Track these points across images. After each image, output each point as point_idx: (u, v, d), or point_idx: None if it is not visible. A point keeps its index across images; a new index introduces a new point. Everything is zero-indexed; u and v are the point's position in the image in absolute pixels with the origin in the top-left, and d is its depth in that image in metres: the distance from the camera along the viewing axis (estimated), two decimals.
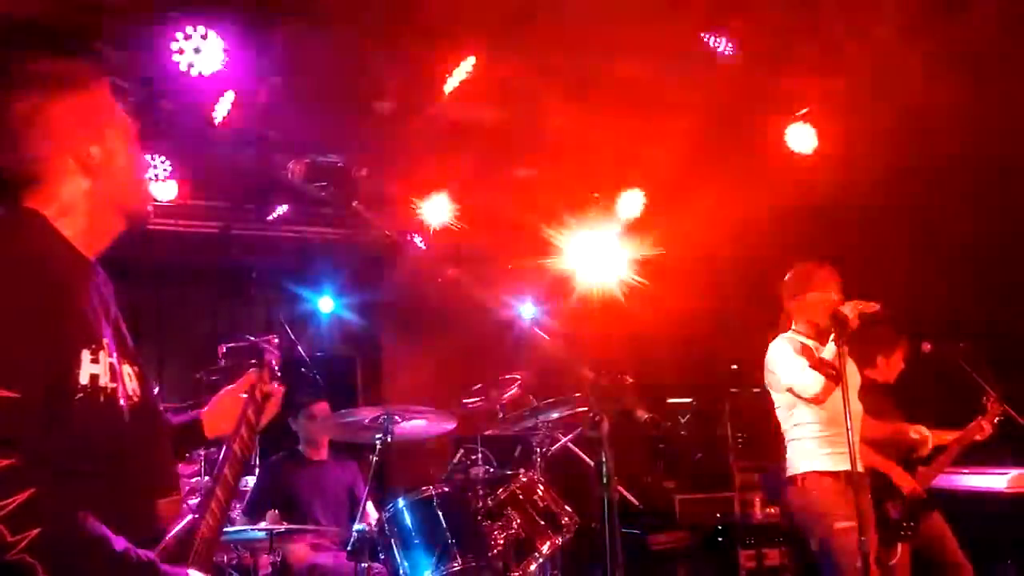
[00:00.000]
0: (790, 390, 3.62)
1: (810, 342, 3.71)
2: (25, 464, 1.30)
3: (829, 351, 3.50)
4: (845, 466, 3.46)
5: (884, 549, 4.09)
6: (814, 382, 3.50)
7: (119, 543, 1.39)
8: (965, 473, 4.98)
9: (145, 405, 1.58)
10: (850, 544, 3.25)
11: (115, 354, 1.54)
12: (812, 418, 3.64)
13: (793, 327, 3.80)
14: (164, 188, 5.28)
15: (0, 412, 1.29)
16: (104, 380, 1.47)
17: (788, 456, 3.82)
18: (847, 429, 3.25)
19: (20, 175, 1.55)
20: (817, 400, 3.54)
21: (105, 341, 1.53)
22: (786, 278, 3.88)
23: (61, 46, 1.58)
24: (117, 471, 1.48)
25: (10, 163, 1.55)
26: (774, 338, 3.84)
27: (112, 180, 1.61)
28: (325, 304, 6.95)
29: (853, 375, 3.68)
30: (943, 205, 5.79)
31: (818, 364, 3.51)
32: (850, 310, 3.38)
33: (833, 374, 3.41)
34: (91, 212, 1.58)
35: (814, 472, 3.60)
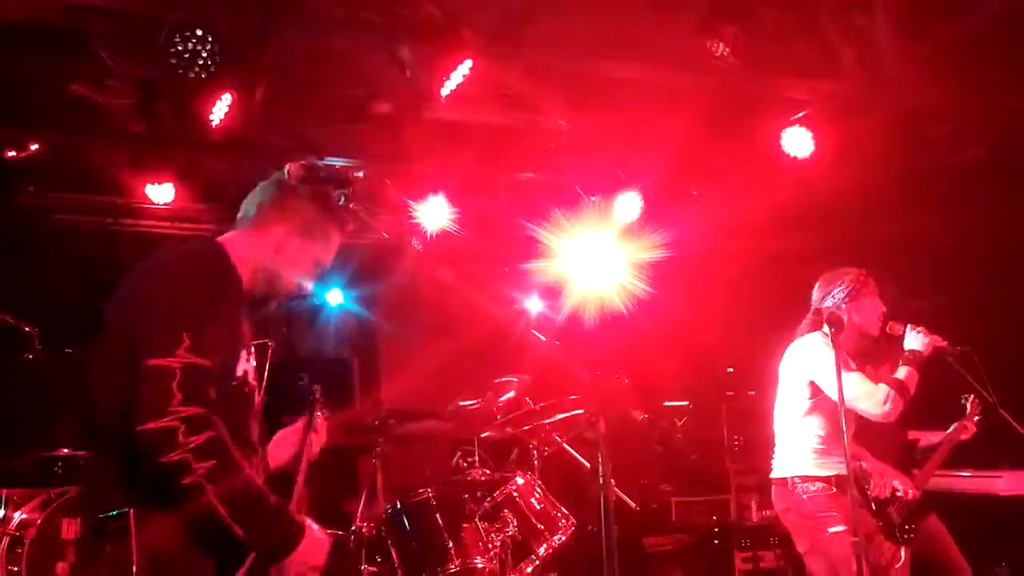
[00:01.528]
0: (849, 401, 3.38)
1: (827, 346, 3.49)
2: (208, 415, 1.75)
3: (902, 372, 3.49)
4: (837, 470, 3.46)
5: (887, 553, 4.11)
6: (885, 397, 3.43)
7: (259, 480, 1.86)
8: (961, 476, 4.99)
9: (254, 390, 2.09)
10: (845, 548, 3.23)
11: (252, 357, 2.05)
12: (820, 424, 3.60)
13: (823, 331, 3.57)
14: (162, 191, 5.28)
15: (197, 374, 1.75)
16: (249, 376, 2.00)
17: (778, 457, 3.80)
18: (843, 433, 3.26)
19: (256, 218, 2.10)
20: (887, 417, 3.46)
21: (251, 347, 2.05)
22: (834, 280, 3.75)
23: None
24: (236, 436, 1.90)
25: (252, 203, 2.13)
26: (782, 337, 3.78)
27: (283, 265, 2.11)
28: (334, 297, 6.97)
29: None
30: (939, 207, 5.81)
31: (890, 382, 3.48)
32: (923, 343, 3.53)
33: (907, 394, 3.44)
34: (266, 272, 2.10)
35: (807, 476, 3.56)
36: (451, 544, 3.38)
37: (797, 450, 3.66)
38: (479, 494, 3.83)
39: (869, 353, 4.43)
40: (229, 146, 4.80)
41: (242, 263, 1.99)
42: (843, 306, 3.65)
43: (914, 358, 3.53)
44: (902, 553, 4.13)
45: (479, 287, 1.74)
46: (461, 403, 4.42)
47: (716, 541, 6.08)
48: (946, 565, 4.31)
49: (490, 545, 3.55)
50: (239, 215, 2.14)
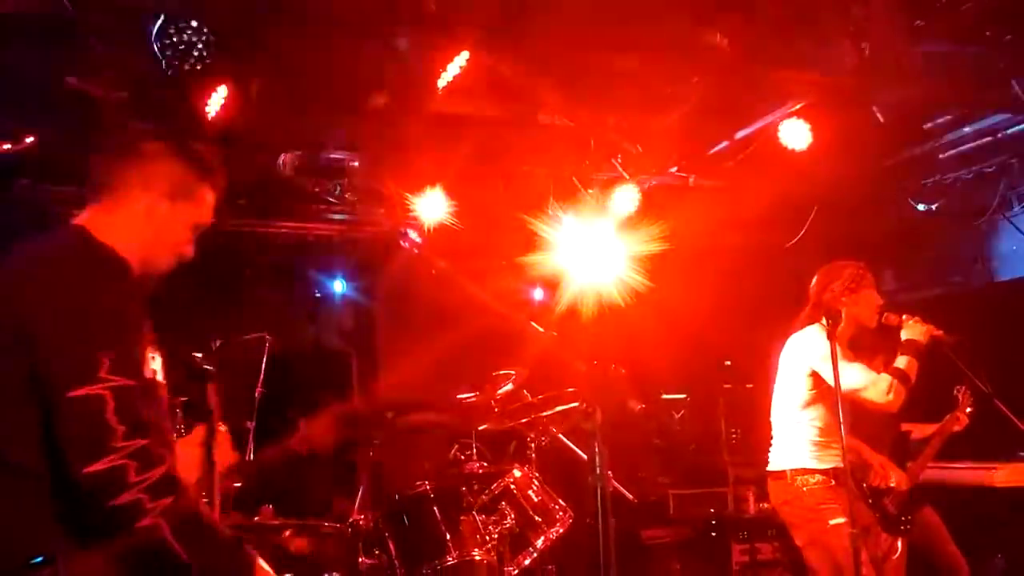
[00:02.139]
0: (853, 391, 3.47)
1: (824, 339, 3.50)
2: (155, 444, 1.58)
3: (902, 361, 3.50)
4: (835, 463, 3.48)
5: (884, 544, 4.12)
6: (889, 387, 3.44)
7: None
8: (955, 468, 5.00)
9: (163, 387, 1.89)
10: (846, 540, 3.25)
11: (156, 351, 1.84)
12: (819, 416, 3.62)
13: (821, 323, 3.59)
14: None
15: (130, 397, 1.57)
16: (160, 375, 1.82)
17: (776, 450, 3.81)
18: (840, 425, 3.26)
19: (116, 189, 1.87)
20: (891, 406, 3.49)
21: (153, 340, 1.85)
22: (833, 273, 3.78)
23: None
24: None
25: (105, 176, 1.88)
26: (780, 330, 3.79)
27: (159, 235, 1.92)
28: (337, 286, 6.95)
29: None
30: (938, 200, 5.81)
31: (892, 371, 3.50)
32: (921, 332, 3.53)
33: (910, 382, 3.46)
34: (142, 247, 1.89)
35: (806, 469, 3.58)
36: (449, 537, 3.39)
37: (796, 443, 3.67)
38: (476, 487, 3.83)
39: (863, 345, 4.44)
40: (224, 140, 4.78)
41: (119, 245, 1.80)
42: (842, 299, 3.65)
43: (912, 347, 3.52)
44: (899, 545, 4.15)
45: (477, 280, 1.71)
46: (459, 396, 4.42)
47: (713, 534, 6.10)
48: (942, 557, 4.33)
49: (488, 538, 3.56)
50: (92, 187, 1.90)
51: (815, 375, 3.58)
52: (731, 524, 6.12)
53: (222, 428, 2.07)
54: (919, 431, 4.52)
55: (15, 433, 1.61)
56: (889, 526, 4.16)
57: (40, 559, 1.54)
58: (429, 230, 5.60)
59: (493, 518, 3.65)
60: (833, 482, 3.52)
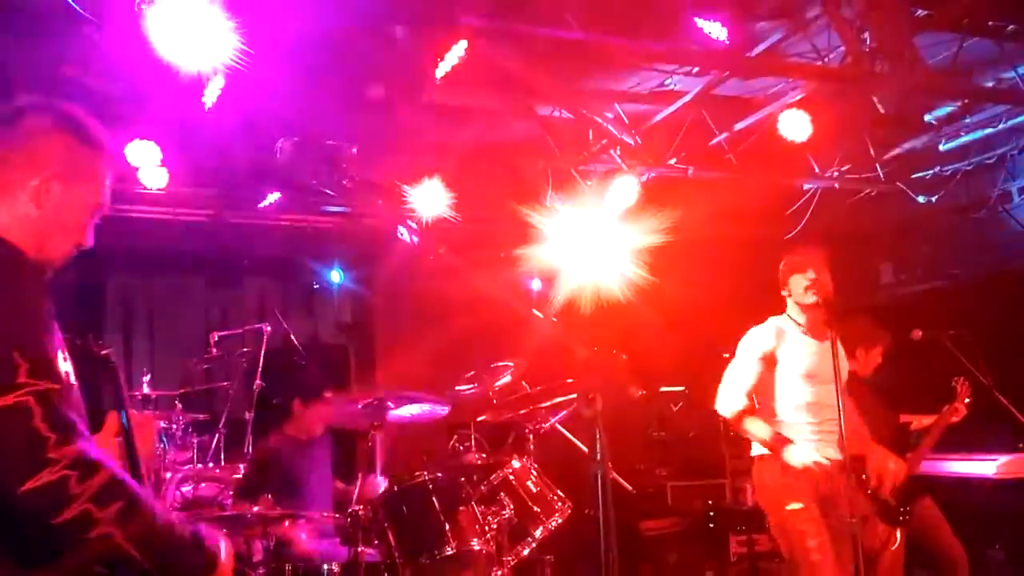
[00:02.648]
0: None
1: (794, 327, 3.65)
2: (90, 447, 1.44)
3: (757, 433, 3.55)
4: (836, 453, 3.44)
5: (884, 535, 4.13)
6: (728, 402, 3.58)
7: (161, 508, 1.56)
8: (955, 459, 5.01)
9: (77, 389, 1.69)
10: (797, 525, 3.36)
11: (65, 351, 1.64)
12: (771, 406, 3.62)
13: (787, 311, 3.78)
14: (155, 176, 5.23)
15: (54, 400, 1.42)
16: (72, 377, 1.60)
17: None
18: (839, 415, 3.25)
19: None
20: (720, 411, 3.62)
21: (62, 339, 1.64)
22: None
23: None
24: None
25: None
26: None
27: (52, 220, 1.68)
28: (334, 276, 6.94)
29: (837, 366, 3.54)
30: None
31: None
32: (797, 460, 3.40)
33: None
34: (35, 234, 1.67)
35: (764, 456, 3.60)
36: (448, 527, 3.38)
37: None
38: (475, 477, 3.82)
39: (861, 336, 4.44)
40: (222, 131, 4.77)
41: (6, 234, 1.60)
42: (782, 293, 3.77)
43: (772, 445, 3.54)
44: (897, 535, 4.16)
45: (475, 271, 1.68)
46: (457, 388, 4.42)
47: (711, 525, 6.11)
48: (941, 547, 4.34)
49: (486, 528, 3.55)
50: None
51: (760, 363, 3.62)
52: (729, 515, 6.13)
53: (136, 414, 1.92)
54: (917, 422, 4.53)
55: None
56: (888, 517, 4.17)
57: None
58: (427, 222, 5.58)
59: (492, 509, 3.65)
60: (795, 469, 3.45)
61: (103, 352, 1.86)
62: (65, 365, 1.55)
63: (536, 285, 7.03)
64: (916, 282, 6.40)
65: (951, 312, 5.38)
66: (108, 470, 1.44)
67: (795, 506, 3.42)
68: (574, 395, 4.30)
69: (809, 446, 3.47)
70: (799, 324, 3.64)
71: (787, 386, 3.58)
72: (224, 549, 1.63)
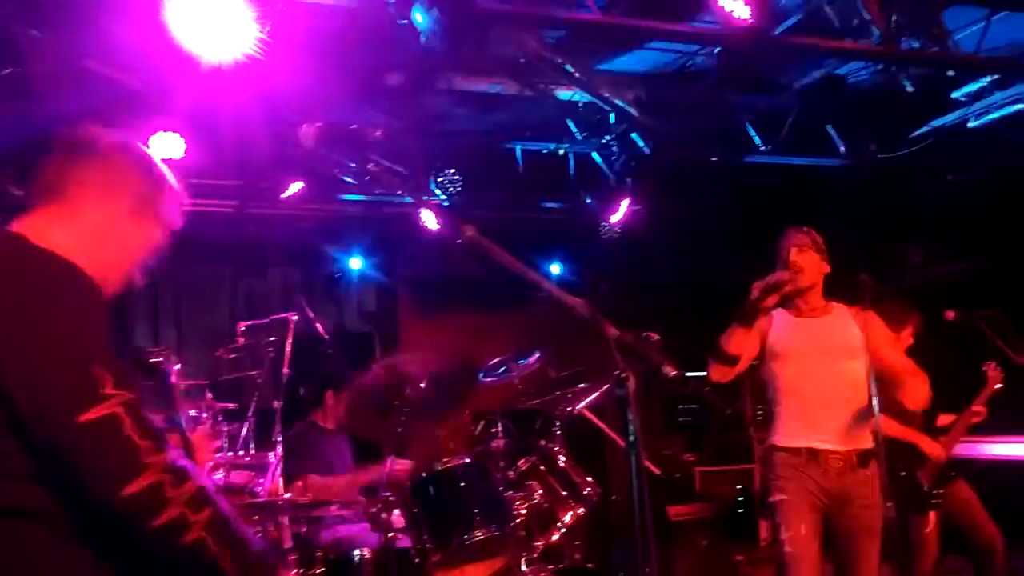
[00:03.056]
0: None
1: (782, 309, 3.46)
2: (176, 455, 1.47)
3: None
4: (801, 442, 3.34)
5: (916, 518, 4.08)
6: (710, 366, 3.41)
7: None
8: (990, 442, 4.94)
9: None
10: (776, 518, 3.29)
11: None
12: (773, 389, 3.50)
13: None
14: (177, 168, 5.25)
15: (139, 412, 1.45)
16: None
17: None
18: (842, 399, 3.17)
19: (59, 192, 1.65)
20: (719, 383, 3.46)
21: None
22: None
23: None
24: None
25: (62, 180, 1.66)
26: None
27: (115, 252, 1.70)
28: (354, 263, 6.93)
29: (828, 341, 3.42)
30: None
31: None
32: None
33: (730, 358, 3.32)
34: (97, 263, 1.65)
35: (769, 445, 3.47)
36: (477, 512, 3.38)
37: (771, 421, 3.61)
38: (503, 463, 3.83)
39: (890, 316, 4.37)
40: (244, 122, 4.78)
41: (73, 257, 1.57)
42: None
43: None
44: (931, 517, 4.11)
45: (501, 257, 1.64)
46: (484, 375, 4.41)
47: (740, 510, 6.08)
48: (976, 531, 4.28)
49: (515, 514, 3.56)
50: (37, 189, 1.67)
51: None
52: (757, 501, 6.10)
53: (198, 434, 1.96)
54: (940, 420, 4.45)
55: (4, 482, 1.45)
56: (920, 500, 4.12)
57: None
58: (450, 208, 5.58)
59: (520, 494, 3.65)
60: (792, 459, 3.35)
61: (154, 359, 1.90)
62: None
63: (558, 269, 7.02)
64: (947, 262, 6.30)
65: (984, 292, 5.28)
66: (196, 478, 1.48)
67: (779, 497, 3.33)
68: (601, 380, 4.29)
69: (794, 433, 3.36)
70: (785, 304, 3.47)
71: (769, 369, 3.47)
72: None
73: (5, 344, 1.42)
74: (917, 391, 3.41)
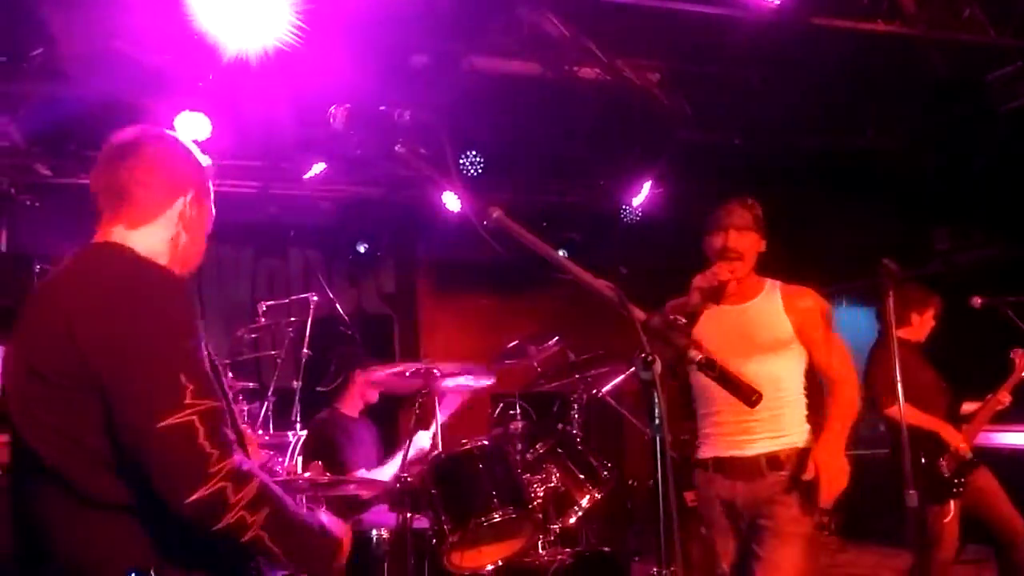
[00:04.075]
0: None
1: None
2: (242, 459, 1.59)
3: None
4: (708, 452, 2.98)
5: (936, 507, 4.05)
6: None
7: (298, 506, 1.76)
8: (1015, 430, 4.89)
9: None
10: (704, 551, 2.91)
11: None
12: (692, 391, 3.08)
13: None
14: (203, 148, 5.28)
15: (215, 418, 1.56)
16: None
17: None
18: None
19: (126, 199, 1.76)
20: None
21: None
22: None
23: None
24: None
25: (126, 188, 1.77)
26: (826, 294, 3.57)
27: (196, 238, 1.87)
28: (362, 249, 7.02)
29: (747, 333, 2.94)
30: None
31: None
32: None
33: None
34: (183, 254, 1.85)
35: (693, 460, 3.06)
36: (495, 494, 3.40)
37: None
38: (521, 446, 3.84)
39: (912, 300, 4.31)
40: (268, 102, 4.80)
41: (160, 259, 1.76)
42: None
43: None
44: (951, 506, 4.08)
45: (528, 239, 1.60)
46: (503, 358, 4.42)
47: None
48: (998, 520, 4.24)
49: (533, 496, 3.57)
50: (104, 199, 1.78)
51: None
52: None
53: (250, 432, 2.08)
54: (964, 408, 4.40)
55: (91, 468, 1.59)
56: (941, 488, 4.09)
57: (133, 572, 1.56)
58: (473, 190, 5.56)
59: (538, 477, 3.66)
60: (706, 475, 2.98)
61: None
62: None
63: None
64: (974, 248, 6.21)
65: (1011, 279, 5.21)
66: (258, 479, 1.59)
67: (703, 531, 3.01)
68: (621, 363, 4.28)
69: (705, 442, 2.99)
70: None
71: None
72: (344, 532, 1.79)
73: (112, 352, 1.56)
74: (844, 401, 2.90)
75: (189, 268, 1.88)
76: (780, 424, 2.86)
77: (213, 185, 1.96)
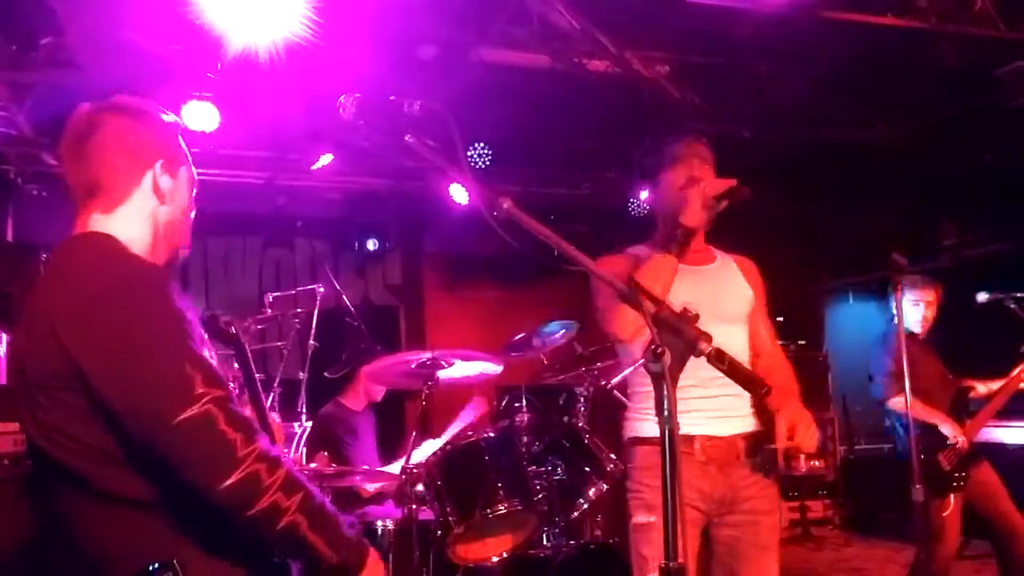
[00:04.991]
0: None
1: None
2: (266, 442, 1.53)
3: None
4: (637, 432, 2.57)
5: (937, 501, 4.05)
6: (614, 317, 2.38)
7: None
8: (1016, 426, 4.88)
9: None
10: (644, 545, 2.44)
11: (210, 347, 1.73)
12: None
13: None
14: (210, 139, 5.29)
15: (230, 406, 1.51)
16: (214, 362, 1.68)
17: None
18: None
19: (94, 186, 1.69)
20: (617, 338, 2.45)
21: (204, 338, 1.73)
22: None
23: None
24: None
25: (91, 175, 1.69)
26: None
27: (175, 207, 1.77)
28: (371, 243, 7.01)
29: (715, 299, 2.52)
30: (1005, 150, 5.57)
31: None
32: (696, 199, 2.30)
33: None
34: (166, 229, 1.75)
35: (631, 438, 2.60)
36: (500, 486, 3.40)
37: (631, 406, 2.72)
38: (527, 438, 3.84)
39: (914, 288, 4.32)
40: (276, 93, 4.80)
41: (136, 246, 1.67)
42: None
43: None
44: (951, 500, 4.08)
45: (539, 230, 1.53)
46: (508, 349, 4.43)
47: None
48: (998, 515, 4.24)
49: (538, 488, 3.58)
50: (76, 190, 1.71)
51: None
52: (781, 482, 6.07)
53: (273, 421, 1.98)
54: (985, 388, 4.40)
55: (98, 465, 1.54)
56: (941, 482, 4.09)
57: (157, 566, 1.51)
58: (480, 181, 5.56)
59: (544, 469, 3.67)
60: (654, 455, 2.48)
61: (232, 329, 1.93)
62: (213, 361, 1.59)
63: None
64: (981, 243, 6.19)
65: (1017, 274, 5.20)
66: (285, 463, 1.54)
67: (643, 519, 2.52)
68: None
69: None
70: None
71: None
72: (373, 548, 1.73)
73: (105, 353, 1.49)
74: (792, 377, 2.63)
75: (180, 243, 1.79)
76: (749, 402, 2.56)
77: (217, 172, 1.95)
